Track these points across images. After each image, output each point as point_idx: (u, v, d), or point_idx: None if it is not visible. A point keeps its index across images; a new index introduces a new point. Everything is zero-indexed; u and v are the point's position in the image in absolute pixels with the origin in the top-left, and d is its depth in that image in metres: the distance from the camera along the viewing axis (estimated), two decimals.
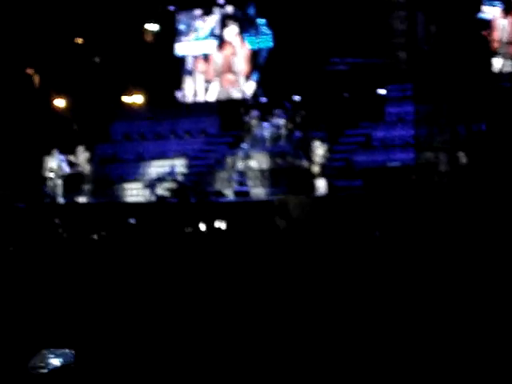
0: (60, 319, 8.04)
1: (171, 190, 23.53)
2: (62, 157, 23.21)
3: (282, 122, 22.51)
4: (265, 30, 24.45)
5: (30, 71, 27.72)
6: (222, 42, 25.68)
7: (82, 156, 23.31)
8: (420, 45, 21.23)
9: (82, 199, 23.10)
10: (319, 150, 20.46)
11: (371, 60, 22.32)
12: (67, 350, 6.30)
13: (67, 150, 23.48)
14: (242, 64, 25.24)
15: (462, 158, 19.56)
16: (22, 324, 7.89)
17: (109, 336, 7.36)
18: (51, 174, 23.19)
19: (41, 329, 7.65)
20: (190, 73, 26.32)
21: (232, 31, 25.36)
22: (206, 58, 26.02)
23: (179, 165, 24.58)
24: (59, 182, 23.18)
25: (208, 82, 26.08)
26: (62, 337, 7.09)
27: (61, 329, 7.57)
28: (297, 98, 23.16)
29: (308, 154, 21.08)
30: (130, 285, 10.63)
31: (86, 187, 23.25)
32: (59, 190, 23.20)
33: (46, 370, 6.05)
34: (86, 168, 23.25)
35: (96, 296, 9.67)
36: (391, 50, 21.86)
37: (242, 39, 25.24)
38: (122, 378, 6.24)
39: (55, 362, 6.17)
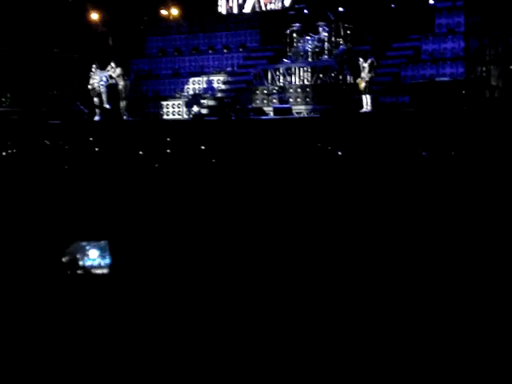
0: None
1: (209, 107, 23.02)
2: (100, 73, 22.70)
3: (325, 35, 21.59)
4: None
5: None
6: None
7: (118, 72, 22.72)
8: None
9: (118, 116, 22.64)
10: (364, 64, 19.62)
11: None
12: (102, 242, 6.33)
13: (103, 65, 22.92)
14: None
15: None
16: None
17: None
18: (90, 91, 22.80)
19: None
20: None
21: None
22: None
23: (217, 81, 24.05)
24: (96, 98, 22.75)
25: None
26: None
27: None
28: (341, 9, 22.16)
29: (353, 69, 20.30)
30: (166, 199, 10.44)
31: (122, 104, 22.75)
32: (96, 107, 22.79)
33: (83, 262, 6.18)
34: (121, 84, 22.70)
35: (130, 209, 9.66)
36: None
37: None
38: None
39: (93, 253, 6.21)
